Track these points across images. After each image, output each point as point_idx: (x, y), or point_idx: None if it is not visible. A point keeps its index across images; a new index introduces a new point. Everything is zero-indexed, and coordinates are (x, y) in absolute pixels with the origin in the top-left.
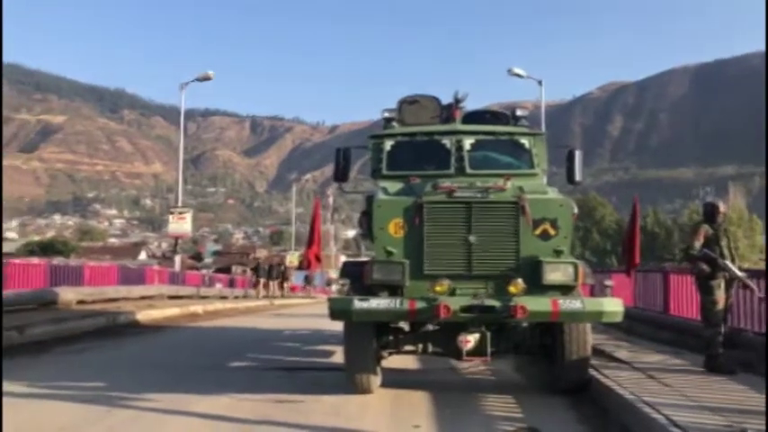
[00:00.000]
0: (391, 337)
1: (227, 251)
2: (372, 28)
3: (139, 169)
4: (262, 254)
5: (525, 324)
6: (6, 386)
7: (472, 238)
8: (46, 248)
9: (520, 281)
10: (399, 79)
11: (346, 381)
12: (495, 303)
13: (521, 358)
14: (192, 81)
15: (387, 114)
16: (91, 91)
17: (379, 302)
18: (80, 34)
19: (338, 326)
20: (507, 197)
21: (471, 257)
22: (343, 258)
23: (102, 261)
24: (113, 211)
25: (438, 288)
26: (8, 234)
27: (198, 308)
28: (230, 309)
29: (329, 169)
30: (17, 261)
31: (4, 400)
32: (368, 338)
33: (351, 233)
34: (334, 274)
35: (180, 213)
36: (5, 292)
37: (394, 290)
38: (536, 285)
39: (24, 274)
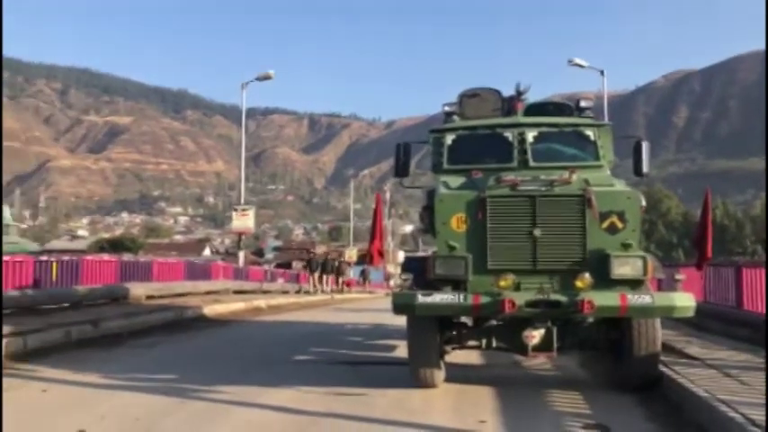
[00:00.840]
0: (455, 332)
1: (287, 247)
2: (427, 22)
3: (202, 168)
4: (320, 249)
5: (591, 319)
6: (84, 378)
7: (537, 232)
8: (115, 245)
9: (587, 275)
10: (455, 73)
11: (410, 375)
12: (562, 298)
13: (586, 354)
14: (253, 80)
15: (447, 108)
16: (155, 92)
17: (442, 297)
18: (145, 38)
19: (399, 320)
20: (573, 190)
21: (536, 252)
22: (400, 254)
23: (167, 257)
24: (178, 209)
25: (502, 283)
26: (79, 231)
27: (262, 302)
28: (292, 303)
29: (386, 165)
30: (90, 257)
31: (84, 390)
32: (431, 333)
33: (408, 228)
34: (392, 268)
35: (243, 210)
36: (80, 287)
37: (457, 284)
38: (603, 280)
39: (98, 269)
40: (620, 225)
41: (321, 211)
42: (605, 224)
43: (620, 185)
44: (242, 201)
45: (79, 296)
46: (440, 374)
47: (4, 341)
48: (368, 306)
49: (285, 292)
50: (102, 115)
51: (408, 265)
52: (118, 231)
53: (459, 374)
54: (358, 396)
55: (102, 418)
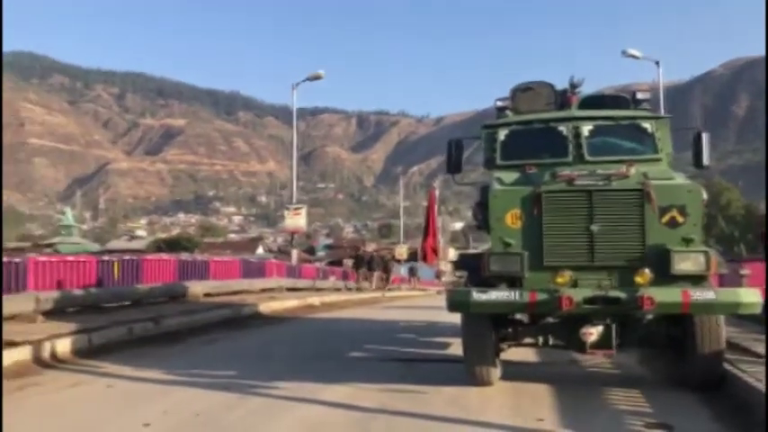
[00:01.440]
0: (510, 330)
1: (338, 245)
2: (474, 19)
3: (254, 168)
4: (371, 247)
5: (651, 316)
6: (147, 374)
7: (594, 228)
8: (172, 245)
9: (647, 271)
10: (503, 69)
11: (465, 373)
12: (621, 294)
13: (646, 351)
14: (303, 81)
15: (500, 103)
16: (208, 95)
17: (498, 294)
18: (198, 41)
19: (453, 317)
20: (631, 184)
21: (594, 247)
22: (451, 250)
23: (223, 256)
24: (232, 209)
25: (559, 279)
26: (138, 232)
27: (315, 300)
28: (344, 300)
29: (435, 162)
30: (150, 257)
31: (147, 386)
32: (487, 330)
33: (458, 225)
34: (442, 265)
35: (296, 209)
36: (141, 286)
37: (512, 281)
38: (664, 275)
39: (157, 268)
40: (680, 219)
41: (371, 208)
42: (665, 218)
43: (680, 179)
44: (294, 200)
45: (140, 294)
46: (496, 372)
47: (71, 338)
48: (419, 303)
49: (337, 290)
50: (158, 118)
51: (463, 263)
52: (174, 231)
53: (516, 372)
54: (414, 393)
55: (165, 413)
